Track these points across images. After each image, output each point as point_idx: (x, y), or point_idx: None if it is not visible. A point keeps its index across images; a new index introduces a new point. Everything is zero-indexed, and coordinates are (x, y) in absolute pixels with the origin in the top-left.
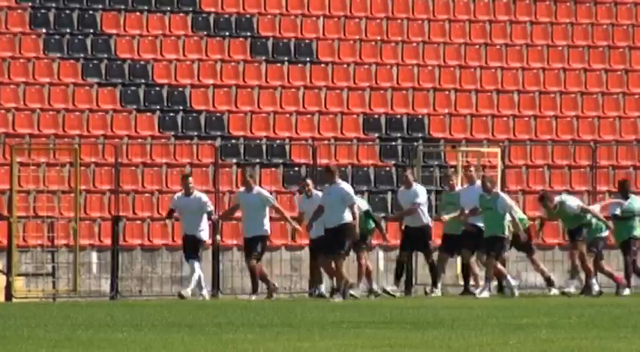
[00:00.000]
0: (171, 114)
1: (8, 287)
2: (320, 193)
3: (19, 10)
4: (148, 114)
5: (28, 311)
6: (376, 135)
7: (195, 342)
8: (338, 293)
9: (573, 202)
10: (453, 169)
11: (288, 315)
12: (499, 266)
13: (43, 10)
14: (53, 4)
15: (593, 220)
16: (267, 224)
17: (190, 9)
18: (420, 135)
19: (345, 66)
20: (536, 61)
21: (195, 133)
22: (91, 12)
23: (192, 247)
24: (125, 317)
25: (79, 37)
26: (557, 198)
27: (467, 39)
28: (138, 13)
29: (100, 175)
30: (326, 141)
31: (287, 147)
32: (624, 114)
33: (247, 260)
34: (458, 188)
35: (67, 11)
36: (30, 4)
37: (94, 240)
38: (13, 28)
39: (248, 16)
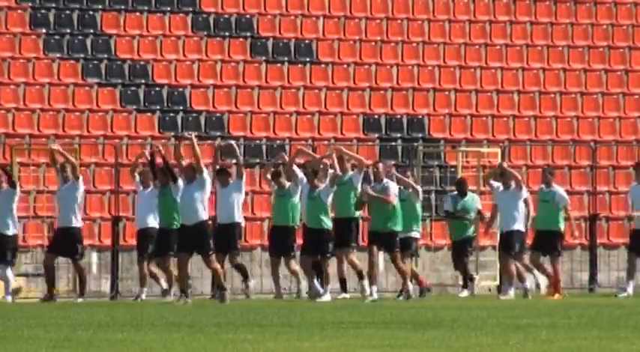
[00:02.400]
0: (171, 114)
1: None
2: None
3: (19, 10)
4: (148, 114)
5: (28, 311)
6: (376, 135)
7: (195, 342)
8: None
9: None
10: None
11: (288, 315)
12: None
13: (43, 10)
14: (53, 4)
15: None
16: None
17: (190, 9)
18: (420, 135)
19: (345, 66)
20: (536, 61)
21: (196, 133)
22: (91, 12)
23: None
24: (125, 317)
25: (79, 37)
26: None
27: (467, 39)
28: (138, 13)
29: (100, 175)
30: (326, 141)
31: (287, 147)
32: (624, 114)
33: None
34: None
35: (67, 11)
36: (30, 4)
37: (94, 240)
38: (13, 28)
39: (248, 16)
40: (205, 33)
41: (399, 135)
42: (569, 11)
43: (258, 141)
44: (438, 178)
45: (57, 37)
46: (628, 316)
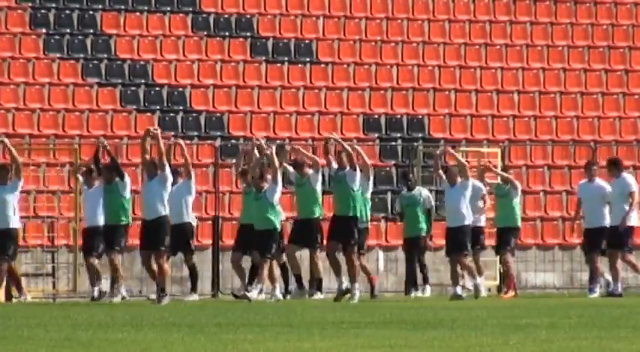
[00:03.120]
0: (171, 114)
1: (8, 287)
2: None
3: (19, 10)
4: (148, 114)
5: (28, 311)
6: (376, 135)
7: (195, 342)
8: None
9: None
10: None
11: (288, 315)
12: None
13: (43, 10)
14: (53, 4)
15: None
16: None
17: (190, 9)
18: (420, 135)
19: (345, 66)
20: (536, 61)
21: (195, 133)
22: (91, 12)
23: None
24: (125, 317)
25: (79, 37)
26: None
27: (467, 39)
28: (138, 13)
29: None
30: None
31: (287, 148)
32: (624, 114)
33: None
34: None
35: (67, 11)
36: (30, 4)
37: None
38: (13, 28)
39: (248, 16)
40: (205, 33)
41: (399, 135)
42: (569, 11)
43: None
44: (438, 178)
45: (57, 37)
46: (628, 316)
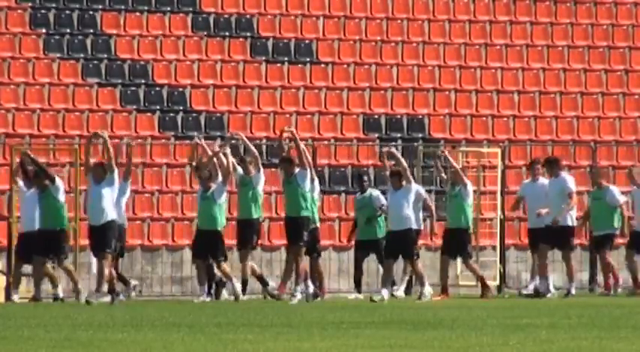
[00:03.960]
0: (171, 114)
1: (8, 287)
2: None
3: (19, 10)
4: (148, 114)
5: (28, 311)
6: (376, 135)
7: (195, 342)
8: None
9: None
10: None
11: (288, 315)
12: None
13: (43, 10)
14: (53, 4)
15: None
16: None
17: (190, 9)
18: (420, 135)
19: (345, 66)
20: (536, 61)
21: (195, 133)
22: (91, 12)
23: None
24: (125, 317)
25: (79, 37)
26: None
27: (467, 39)
28: (138, 13)
29: None
30: (326, 141)
31: (286, 148)
32: (624, 114)
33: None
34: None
35: (67, 11)
36: (30, 4)
37: None
38: (13, 28)
39: (248, 16)
40: (205, 33)
41: (399, 135)
42: (569, 11)
43: (258, 141)
44: (438, 178)
45: (57, 37)
46: (628, 316)
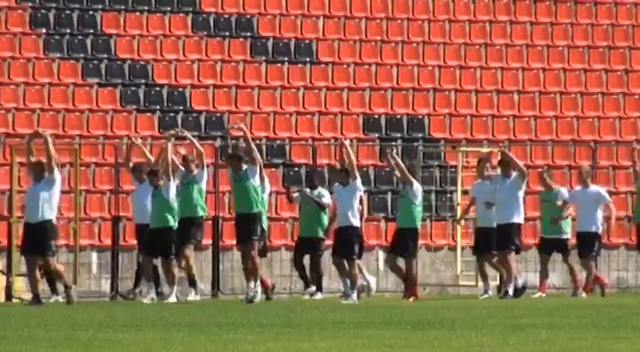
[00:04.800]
0: (171, 114)
1: (8, 287)
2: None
3: (19, 10)
4: (148, 114)
5: (28, 311)
6: (376, 135)
7: (195, 342)
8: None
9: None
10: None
11: (288, 315)
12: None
13: (43, 10)
14: (53, 4)
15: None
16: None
17: (190, 9)
18: (420, 135)
19: (345, 66)
20: (536, 61)
21: (196, 133)
22: (91, 12)
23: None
24: (125, 317)
25: (79, 37)
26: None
27: (467, 39)
28: (138, 13)
29: (100, 175)
30: (326, 142)
31: (287, 148)
32: (624, 114)
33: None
34: None
35: (67, 11)
36: (30, 4)
37: (94, 240)
38: (13, 28)
39: (248, 16)
40: (205, 33)
41: (399, 135)
42: (569, 11)
43: (258, 141)
44: (438, 178)
45: (57, 37)
46: (628, 316)
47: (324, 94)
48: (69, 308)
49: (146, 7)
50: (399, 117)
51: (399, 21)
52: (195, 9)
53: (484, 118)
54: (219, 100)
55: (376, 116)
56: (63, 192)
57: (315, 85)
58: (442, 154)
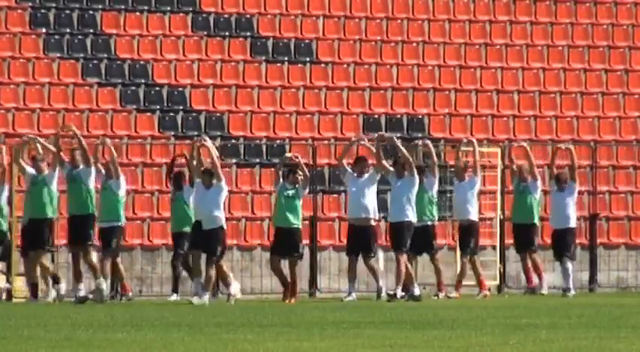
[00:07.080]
0: (171, 114)
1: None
2: None
3: (19, 10)
4: (148, 114)
5: (28, 311)
6: (376, 135)
7: (195, 342)
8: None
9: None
10: None
11: (288, 315)
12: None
13: (43, 10)
14: (53, 4)
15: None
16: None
17: (190, 9)
18: (420, 135)
19: (345, 66)
20: (536, 61)
21: (196, 133)
22: (91, 12)
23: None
24: (125, 317)
25: (79, 37)
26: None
27: (467, 39)
28: (138, 13)
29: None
30: (326, 141)
31: (287, 147)
32: (624, 114)
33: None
34: None
35: (67, 11)
36: (30, 4)
37: (94, 240)
38: (13, 28)
39: (248, 16)
40: (205, 33)
41: (399, 135)
42: (569, 11)
43: (258, 141)
44: (438, 178)
45: (57, 37)
46: (628, 316)
47: (324, 94)
48: (69, 308)
49: (146, 7)
50: (399, 117)
51: (399, 21)
52: (195, 9)
53: (484, 118)
54: (219, 100)
55: (376, 116)
56: (63, 192)
57: (315, 84)
58: (442, 154)
